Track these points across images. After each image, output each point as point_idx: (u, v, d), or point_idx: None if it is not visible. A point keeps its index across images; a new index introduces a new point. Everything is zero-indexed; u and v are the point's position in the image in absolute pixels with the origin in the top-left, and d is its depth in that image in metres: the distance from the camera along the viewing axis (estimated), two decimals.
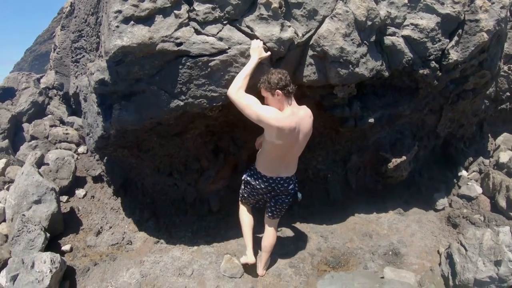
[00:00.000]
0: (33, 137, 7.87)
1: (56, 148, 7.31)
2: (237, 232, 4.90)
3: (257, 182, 4.17)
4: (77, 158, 6.92)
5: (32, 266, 4.26)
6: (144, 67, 3.62)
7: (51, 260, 4.33)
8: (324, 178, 5.72)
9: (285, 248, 4.93)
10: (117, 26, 3.45)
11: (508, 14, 5.18)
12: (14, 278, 4.20)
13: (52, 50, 8.75)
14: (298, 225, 5.41)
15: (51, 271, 4.23)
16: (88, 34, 5.45)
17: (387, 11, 4.34)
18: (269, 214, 4.46)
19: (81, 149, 7.39)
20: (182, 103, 3.80)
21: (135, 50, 3.49)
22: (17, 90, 10.24)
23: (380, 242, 5.20)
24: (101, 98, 4.02)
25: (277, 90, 3.59)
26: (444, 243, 5.22)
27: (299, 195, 4.57)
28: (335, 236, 5.27)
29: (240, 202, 4.67)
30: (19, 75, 10.87)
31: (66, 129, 7.74)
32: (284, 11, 3.87)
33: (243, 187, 4.46)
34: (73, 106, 7.04)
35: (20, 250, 4.78)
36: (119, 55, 3.49)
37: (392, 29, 4.45)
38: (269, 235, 4.53)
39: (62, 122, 8.48)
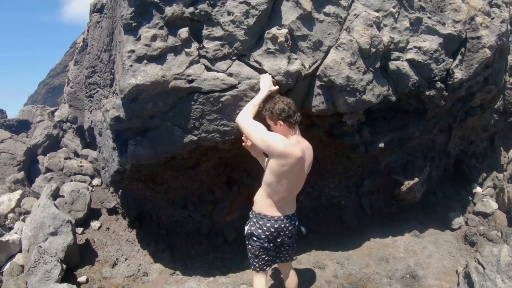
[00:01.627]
0: (48, 169, 8.02)
1: (71, 181, 7.44)
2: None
3: (263, 229, 3.62)
4: (91, 191, 7.02)
5: None
6: (158, 104, 3.73)
7: None
8: (337, 205, 5.72)
9: (302, 276, 4.90)
10: (131, 65, 3.57)
11: (509, 27, 5.23)
12: None
13: (66, 84, 8.98)
14: (313, 252, 5.39)
15: None
16: (102, 70, 5.59)
17: (390, 37, 4.42)
18: (282, 259, 3.98)
19: (96, 181, 7.51)
20: (195, 138, 3.90)
21: (149, 88, 3.60)
22: (32, 122, 10.48)
23: (397, 266, 5.17)
24: (116, 134, 4.12)
25: (279, 121, 3.44)
26: (462, 263, 5.16)
27: (303, 228, 4.48)
28: (351, 262, 5.25)
29: (253, 273, 3.85)
30: (33, 108, 11.15)
31: (81, 162, 7.88)
32: (290, 44, 3.95)
33: (249, 246, 3.76)
34: (88, 139, 7.18)
35: (36, 281, 4.83)
36: (133, 93, 3.60)
37: (396, 54, 4.52)
38: (292, 277, 4.14)
39: (77, 154, 8.65)
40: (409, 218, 6.16)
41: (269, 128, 3.51)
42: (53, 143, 9.27)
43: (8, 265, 5.46)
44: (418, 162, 5.71)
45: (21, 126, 10.48)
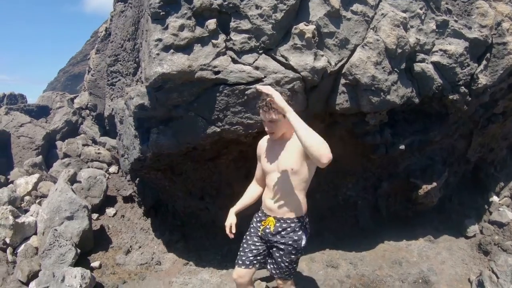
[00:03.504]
0: (66, 155, 8.09)
1: (88, 167, 7.50)
2: None
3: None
4: (108, 178, 7.07)
5: (63, 280, 4.36)
6: (183, 93, 3.73)
7: (82, 276, 4.43)
8: (354, 205, 5.69)
9: (315, 274, 4.91)
10: (158, 54, 3.57)
11: None
12: None
13: (87, 72, 9.05)
14: (327, 251, 5.38)
15: (81, 286, 4.33)
16: (124, 59, 5.61)
17: (416, 38, 4.38)
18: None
19: (112, 169, 7.56)
20: (218, 130, 3.91)
21: (175, 78, 3.60)
22: (51, 108, 10.58)
23: (410, 270, 5.13)
24: (139, 122, 4.14)
25: None
26: (475, 271, 5.11)
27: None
28: (364, 263, 5.22)
29: (292, 281, 3.56)
30: (53, 94, 11.26)
31: (98, 149, 7.94)
32: (317, 40, 3.94)
33: (296, 258, 3.36)
34: (107, 127, 7.24)
35: (50, 263, 4.89)
36: (159, 82, 3.61)
37: (421, 56, 4.48)
38: None
39: (94, 141, 8.71)
40: (424, 223, 6.11)
41: (270, 124, 3.07)
42: (71, 130, 9.36)
43: (22, 246, 5.52)
44: (437, 167, 5.64)
45: (40, 112, 10.59)
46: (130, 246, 5.45)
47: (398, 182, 5.65)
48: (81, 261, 5.08)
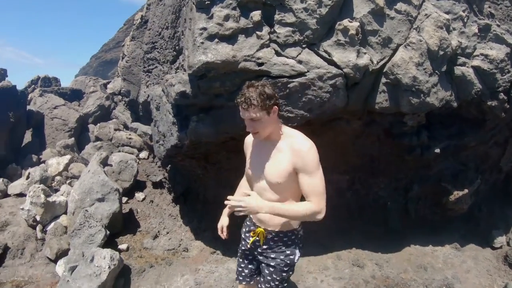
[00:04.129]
0: (97, 138, 8.25)
1: (119, 151, 7.62)
2: None
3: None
4: (138, 163, 7.17)
5: (92, 260, 4.45)
6: (225, 83, 3.75)
7: (111, 257, 4.52)
8: (383, 206, 5.65)
9: (340, 272, 4.90)
10: (202, 43, 3.60)
11: None
12: (72, 269, 4.41)
13: (121, 58, 9.17)
14: (354, 250, 5.36)
15: (109, 267, 4.41)
16: (162, 46, 5.66)
17: (458, 41, 4.31)
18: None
19: (143, 154, 7.67)
20: None
21: (218, 67, 3.63)
22: (84, 92, 10.77)
23: (435, 276, 5.07)
24: (178, 109, 4.19)
25: (275, 107, 2.60)
26: (499, 283, 5.04)
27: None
28: (390, 265, 5.19)
29: None
30: (86, 79, 11.47)
31: (130, 134, 8.06)
32: (360, 38, 3.91)
33: (287, 275, 3.02)
34: (140, 113, 7.33)
35: (79, 243, 4.99)
36: (202, 70, 3.64)
37: (462, 59, 4.41)
38: None
39: (126, 127, 8.85)
40: (451, 230, 6.02)
41: (252, 123, 2.61)
42: (104, 114, 9.54)
43: (52, 224, 5.65)
44: (470, 173, 5.56)
45: (73, 95, 10.81)
46: (158, 231, 5.52)
47: (429, 186, 5.59)
48: (109, 242, 5.18)
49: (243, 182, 3.33)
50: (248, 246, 3.04)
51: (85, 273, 4.31)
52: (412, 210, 5.81)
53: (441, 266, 5.32)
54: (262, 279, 3.04)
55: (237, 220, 3.10)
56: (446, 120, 4.91)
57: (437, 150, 4.77)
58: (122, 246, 5.32)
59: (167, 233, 5.55)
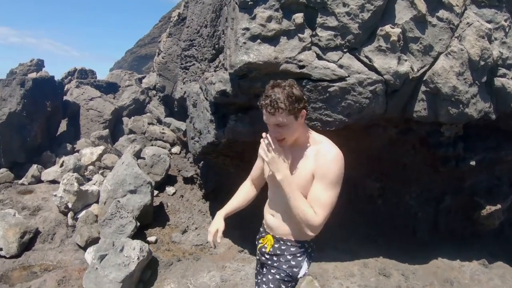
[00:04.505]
0: (131, 131, 8.41)
1: (152, 145, 7.75)
2: (321, 256, 4.90)
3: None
4: (170, 157, 7.27)
5: (121, 250, 4.53)
6: (266, 84, 3.76)
7: (140, 248, 4.59)
8: (414, 216, 5.58)
9: (366, 280, 4.86)
10: (244, 43, 3.64)
11: None
12: (102, 257, 4.49)
13: (157, 54, 9.33)
14: (381, 258, 5.30)
15: (138, 258, 4.47)
16: (200, 44, 5.73)
17: (499, 51, 4.24)
18: None
19: (175, 149, 7.78)
20: None
21: (260, 67, 3.66)
22: (120, 86, 10.98)
23: None
24: (216, 107, 4.24)
25: (304, 111, 2.31)
26: None
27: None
28: (416, 277, 5.11)
29: None
30: (122, 73, 11.71)
31: (163, 129, 8.19)
32: (402, 44, 3.88)
33: None
34: (176, 109, 7.44)
35: (110, 232, 5.09)
36: (244, 70, 3.68)
37: (503, 70, 4.34)
38: None
39: (159, 121, 9.00)
40: (480, 245, 5.89)
41: (276, 130, 2.32)
42: (138, 108, 9.73)
43: (83, 212, 5.79)
44: (504, 188, 5.45)
45: (109, 88, 11.04)
46: (187, 226, 5.59)
47: (461, 199, 5.50)
48: (138, 234, 5.26)
49: (244, 187, 3.07)
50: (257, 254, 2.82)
51: (114, 262, 4.39)
52: (442, 222, 5.71)
53: (468, 282, 5.21)
54: (261, 279, 2.77)
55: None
56: (483, 132, 4.84)
57: (473, 163, 4.69)
58: (151, 238, 5.40)
59: (196, 228, 5.61)
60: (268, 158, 2.35)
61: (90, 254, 4.95)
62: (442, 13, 3.98)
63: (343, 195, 5.30)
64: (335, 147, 2.36)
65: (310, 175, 2.31)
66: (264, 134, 2.41)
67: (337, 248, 5.16)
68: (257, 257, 2.87)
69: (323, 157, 2.29)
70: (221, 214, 2.88)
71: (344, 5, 3.72)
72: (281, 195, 2.41)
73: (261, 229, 2.94)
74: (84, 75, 12.97)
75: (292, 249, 2.57)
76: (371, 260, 5.22)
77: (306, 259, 2.58)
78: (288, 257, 2.56)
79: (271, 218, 2.69)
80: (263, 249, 2.69)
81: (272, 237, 2.65)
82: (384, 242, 5.51)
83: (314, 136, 2.49)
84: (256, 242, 2.89)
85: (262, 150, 2.41)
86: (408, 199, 5.45)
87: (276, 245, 2.61)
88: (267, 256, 2.65)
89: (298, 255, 2.56)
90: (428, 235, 5.72)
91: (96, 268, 4.37)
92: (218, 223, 2.80)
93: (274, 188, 2.59)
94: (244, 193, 3.02)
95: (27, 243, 5.33)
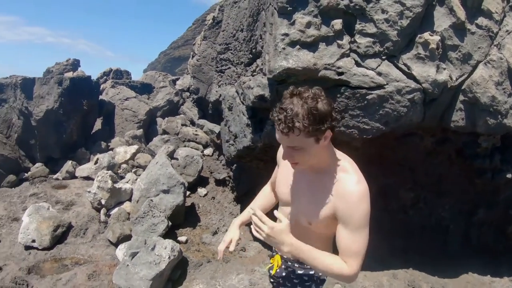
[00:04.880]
0: (164, 132, 8.56)
1: (185, 146, 7.86)
2: None
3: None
4: (203, 159, 7.35)
5: (153, 249, 4.60)
6: None
7: (172, 248, 4.66)
8: (445, 228, 5.47)
9: None
10: (284, 48, 3.66)
11: None
12: (133, 255, 4.58)
13: (191, 57, 9.46)
14: (410, 270, 5.21)
15: (169, 257, 4.54)
16: (236, 48, 5.80)
17: None
18: None
19: (207, 151, 7.87)
20: None
21: (299, 73, 3.68)
22: (154, 87, 11.19)
23: None
24: (253, 111, 4.28)
25: (329, 131, 1.80)
26: None
27: None
28: None
29: None
30: (156, 74, 11.92)
31: (196, 130, 8.30)
32: (440, 52, 3.84)
33: None
34: (210, 111, 7.53)
35: (141, 230, 5.19)
36: (282, 75, 3.70)
37: None
38: None
39: (193, 123, 9.13)
40: None
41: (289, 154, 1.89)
42: (172, 109, 9.91)
43: (116, 209, 5.91)
44: None
45: (143, 88, 11.27)
46: (218, 228, 5.64)
47: (495, 212, 5.36)
48: (169, 233, 5.34)
49: (264, 192, 2.67)
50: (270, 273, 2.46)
51: (145, 260, 4.47)
52: (474, 235, 5.58)
53: None
54: None
55: None
56: None
57: (509, 175, 4.58)
58: (182, 238, 5.48)
59: (226, 230, 5.61)
60: (263, 236, 1.88)
61: (121, 251, 5.04)
62: (481, 20, 3.91)
63: (376, 204, 5.26)
64: (360, 182, 1.89)
65: (329, 210, 1.92)
66: (250, 210, 1.97)
67: (367, 257, 5.09)
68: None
69: (348, 197, 1.85)
70: (236, 223, 2.56)
71: (383, 11, 3.71)
72: (287, 212, 2.15)
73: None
74: (119, 76, 13.27)
75: (299, 271, 2.25)
76: (400, 271, 5.15)
77: (314, 285, 2.28)
78: (295, 281, 2.27)
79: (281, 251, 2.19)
80: (270, 271, 2.38)
81: (280, 257, 2.33)
82: (414, 253, 5.41)
83: (339, 160, 1.98)
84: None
85: (253, 228, 1.93)
86: (441, 211, 5.35)
87: (283, 267, 2.31)
88: (271, 280, 2.42)
89: (306, 278, 2.26)
90: (459, 248, 5.59)
91: (127, 265, 4.47)
92: (233, 232, 2.52)
93: (285, 208, 2.21)
94: (263, 199, 2.64)
95: (60, 236, 5.49)
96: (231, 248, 2.39)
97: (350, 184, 1.87)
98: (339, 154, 2.02)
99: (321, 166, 1.96)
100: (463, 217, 5.47)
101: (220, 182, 6.58)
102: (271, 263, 2.39)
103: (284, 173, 2.24)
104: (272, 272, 2.34)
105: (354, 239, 1.87)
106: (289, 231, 1.88)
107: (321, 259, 1.89)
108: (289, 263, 2.26)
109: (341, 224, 1.89)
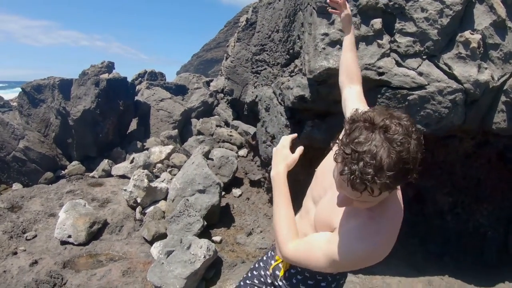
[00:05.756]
0: (199, 132, 8.66)
1: (219, 147, 7.92)
2: (385, 269, 4.77)
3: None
4: (237, 160, 7.38)
5: (188, 248, 4.63)
6: None
7: (207, 247, 4.66)
8: (483, 235, 5.30)
9: None
10: (324, 48, 3.66)
11: None
12: (169, 253, 4.60)
13: (225, 58, 9.55)
14: (446, 278, 5.06)
15: (204, 256, 4.55)
16: (272, 49, 5.82)
17: None
18: None
19: (242, 152, 7.91)
20: None
21: None
22: (188, 88, 11.32)
23: None
24: (291, 112, 4.27)
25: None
26: None
27: None
28: None
29: None
30: (190, 76, 12.06)
31: (231, 131, 8.35)
32: (482, 51, 3.74)
33: None
34: (245, 112, 7.57)
35: (177, 229, 5.22)
36: (323, 76, 3.69)
37: None
38: None
39: (227, 124, 9.19)
40: None
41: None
42: (206, 110, 10.01)
43: (151, 208, 5.99)
44: None
45: (178, 90, 11.41)
46: (252, 229, 5.64)
47: None
48: (204, 232, 5.36)
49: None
50: (268, 271, 2.15)
51: (180, 258, 4.49)
52: None
53: None
54: None
55: None
56: None
57: None
58: (216, 238, 5.50)
59: (261, 231, 5.65)
60: (276, 148, 1.87)
61: (156, 249, 5.09)
62: None
63: (412, 209, 5.17)
64: (383, 232, 1.45)
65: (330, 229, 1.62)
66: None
67: (402, 263, 5.02)
68: (259, 266, 2.27)
69: (356, 234, 1.46)
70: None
71: (423, 10, 3.66)
72: (309, 221, 1.83)
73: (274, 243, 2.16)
74: (154, 77, 13.49)
75: (310, 282, 1.91)
76: (436, 278, 5.01)
77: None
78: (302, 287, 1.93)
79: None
80: (277, 272, 2.04)
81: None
82: (450, 260, 5.28)
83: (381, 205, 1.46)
84: (265, 257, 2.25)
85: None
86: (479, 217, 5.20)
87: (292, 271, 1.96)
88: (280, 283, 2.01)
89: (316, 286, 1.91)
90: (496, 256, 5.42)
91: (162, 263, 4.50)
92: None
93: (309, 206, 1.92)
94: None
95: (95, 232, 5.59)
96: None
97: (369, 228, 1.44)
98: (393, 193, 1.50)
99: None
100: (501, 224, 5.31)
101: (254, 183, 6.59)
102: (277, 261, 2.06)
103: (320, 175, 1.94)
104: (280, 273, 2.01)
105: (318, 244, 1.59)
106: (288, 162, 1.88)
107: (280, 214, 1.76)
108: (299, 269, 1.91)
109: (328, 232, 1.60)
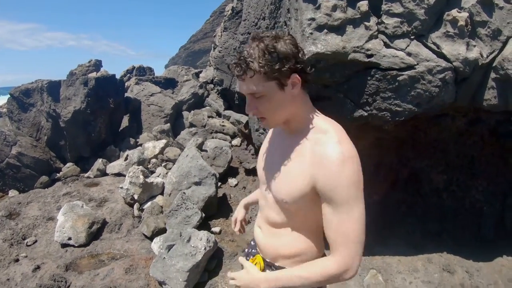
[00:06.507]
0: (192, 125, 8.65)
1: (212, 138, 7.93)
2: (384, 249, 4.85)
3: None
4: (231, 149, 7.40)
5: (188, 240, 4.67)
6: (334, 74, 3.77)
7: (207, 239, 4.71)
8: (479, 211, 5.37)
9: (430, 276, 4.75)
10: (311, 33, 3.64)
11: None
12: (169, 247, 4.65)
13: (212, 48, 9.53)
14: (445, 254, 5.15)
15: (205, 248, 4.60)
16: None
17: None
18: None
19: (235, 141, 7.93)
20: (366, 114, 3.89)
21: (328, 58, 3.64)
22: (178, 81, 11.29)
23: None
24: None
25: (295, 74, 1.55)
26: None
27: None
28: (480, 275, 4.92)
29: None
30: (178, 68, 12.03)
31: (223, 121, 8.36)
32: (469, 29, 3.75)
33: None
34: (236, 101, 7.57)
35: (176, 223, 5.25)
36: (312, 61, 3.66)
37: None
38: None
39: (219, 114, 9.19)
40: None
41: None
42: (197, 101, 9.99)
43: (149, 204, 6.01)
44: None
45: (167, 83, 11.38)
46: (250, 217, 5.67)
47: None
48: (203, 224, 5.40)
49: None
50: None
51: (181, 252, 4.53)
52: (509, 218, 5.46)
53: None
54: None
55: None
56: None
57: None
58: (215, 229, 5.54)
59: None
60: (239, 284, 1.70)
61: (156, 244, 5.13)
62: None
63: (408, 188, 5.22)
64: (342, 142, 1.54)
65: (306, 184, 1.56)
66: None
67: (401, 242, 5.08)
68: None
69: (327, 163, 1.49)
70: (241, 204, 2.48)
71: None
72: (271, 208, 1.80)
73: (252, 242, 2.14)
74: (142, 72, 13.46)
75: None
76: (435, 256, 5.10)
77: None
78: None
79: (259, 233, 1.94)
80: None
81: (262, 260, 1.89)
82: (448, 237, 5.35)
83: (317, 119, 1.68)
84: (246, 258, 2.07)
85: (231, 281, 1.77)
86: (475, 193, 5.26)
87: (266, 271, 1.84)
88: None
89: None
90: (493, 231, 5.50)
91: (164, 258, 4.55)
92: (237, 212, 2.44)
93: (263, 196, 1.90)
94: (257, 193, 2.38)
95: (95, 233, 5.62)
96: (236, 229, 2.39)
97: (328, 146, 1.50)
98: (321, 116, 1.72)
99: (297, 126, 1.66)
100: (497, 199, 5.37)
101: (250, 172, 6.61)
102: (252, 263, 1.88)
103: (263, 149, 1.97)
104: None
105: (341, 219, 1.50)
106: (255, 271, 1.69)
107: (301, 273, 1.55)
108: (273, 268, 1.81)
109: (324, 202, 1.53)
